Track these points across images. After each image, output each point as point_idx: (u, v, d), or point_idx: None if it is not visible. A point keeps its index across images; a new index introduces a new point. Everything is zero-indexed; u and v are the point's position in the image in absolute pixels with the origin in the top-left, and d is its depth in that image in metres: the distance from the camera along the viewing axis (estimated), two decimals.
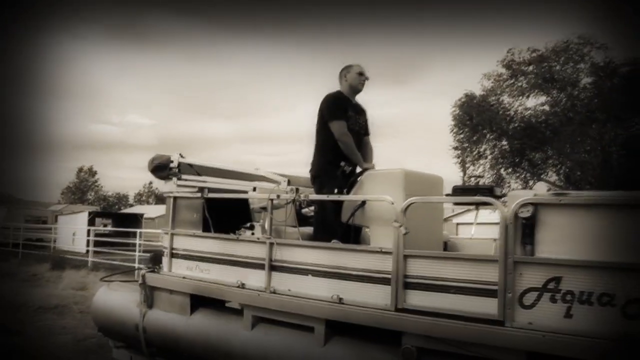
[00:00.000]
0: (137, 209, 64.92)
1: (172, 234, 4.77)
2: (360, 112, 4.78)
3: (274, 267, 4.01)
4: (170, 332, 4.61)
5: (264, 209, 4.20)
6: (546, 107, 26.74)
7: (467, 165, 26.37)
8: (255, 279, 4.10)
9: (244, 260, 4.20)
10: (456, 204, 3.79)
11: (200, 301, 4.60)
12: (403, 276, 3.36)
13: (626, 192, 2.89)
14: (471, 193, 3.81)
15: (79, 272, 17.55)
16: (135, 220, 33.03)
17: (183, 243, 4.72)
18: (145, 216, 35.79)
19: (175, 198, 4.80)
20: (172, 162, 4.69)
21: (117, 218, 35.17)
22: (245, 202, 4.97)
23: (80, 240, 27.15)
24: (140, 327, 4.80)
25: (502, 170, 27.04)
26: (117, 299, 5.28)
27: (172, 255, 4.77)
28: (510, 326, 2.98)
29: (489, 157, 27.04)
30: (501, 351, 3.00)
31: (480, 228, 4.88)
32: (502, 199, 3.49)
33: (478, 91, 26.67)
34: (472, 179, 26.39)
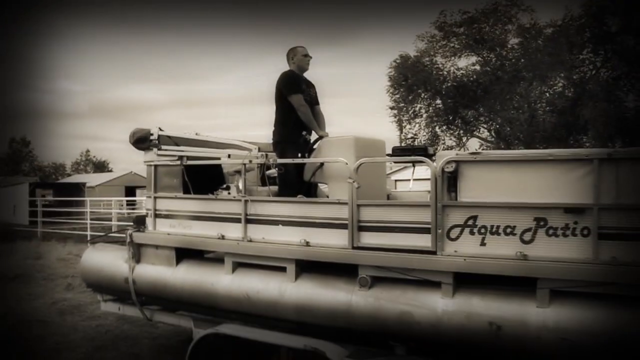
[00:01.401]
0: (76, 178, 63.83)
1: (155, 197, 5.48)
2: (310, 85, 5.62)
3: (249, 220, 4.82)
4: (158, 281, 5.36)
5: (238, 172, 4.99)
6: (477, 67, 27.96)
7: (403, 124, 27.44)
8: (233, 231, 4.91)
9: (223, 216, 4.99)
10: (396, 162, 4.67)
11: (183, 254, 5.36)
12: (357, 221, 4.25)
13: (522, 150, 3.85)
14: (408, 153, 4.75)
15: (30, 243, 17.81)
16: (78, 189, 32.86)
17: (166, 205, 5.43)
18: (87, 185, 35.62)
19: (156, 166, 5.49)
20: (152, 134, 5.38)
21: (58, 188, 34.73)
22: (219, 167, 5.74)
23: (21, 212, 26.92)
24: (130, 279, 5.53)
25: (437, 128, 28.23)
26: (105, 257, 5.97)
27: (156, 216, 5.49)
28: (440, 255, 3.91)
29: (424, 115, 28.17)
30: (435, 274, 3.94)
31: (416, 183, 5.86)
32: (433, 157, 4.39)
33: (412, 52, 27.58)
34: (409, 139, 27.48)
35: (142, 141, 5.45)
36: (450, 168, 3.88)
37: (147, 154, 5.55)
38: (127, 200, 35.15)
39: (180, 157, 5.32)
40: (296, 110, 5.24)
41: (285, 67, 5.56)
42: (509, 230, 3.72)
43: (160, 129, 5.42)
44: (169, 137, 5.48)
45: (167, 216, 5.42)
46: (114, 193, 45.44)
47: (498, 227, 3.75)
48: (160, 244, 5.37)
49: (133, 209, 32.70)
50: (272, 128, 5.45)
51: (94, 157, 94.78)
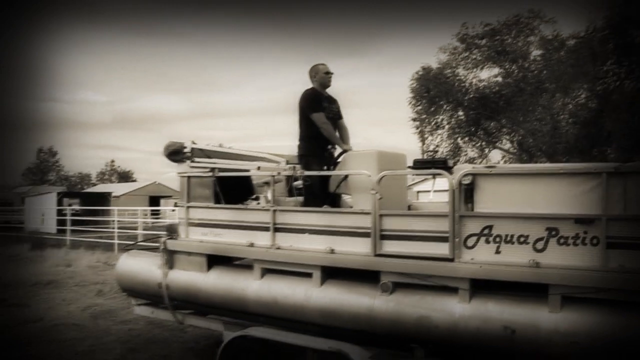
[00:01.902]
0: (101, 188, 64.85)
1: (188, 207, 5.80)
2: (332, 101, 5.91)
3: (277, 228, 5.11)
4: (190, 287, 5.67)
5: (266, 183, 5.29)
6: (499, 79, 28.02)
7: (425, 136, 27.60)
8: (262, 239, 5.20)
9: (252, 224, 5.29)
10: (416, 175, 4.95)
11: (214, 261, 5.66)
12: (379, 230, 4.52)
13: (535, 164, 4.10)
14: (428, 165, 4.99)
15: (60, 251, 18.25)
16: (103, 198, 33.53)
17: (198, 214, 5.75)
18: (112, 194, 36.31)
19: (189, 177, 5.82)
20: (185, 147, 5.72)
21: (85, 197, 35.45)
22: (248, 178, 6.06)
23: (49, 221, 27.53)
24: (163, 284, 5.84)
25: (459, 140, 28.32)
26: (139, 263, 6.31)
27: (189, 224, 5.81)
28: (458, 262, 4.17)
29: (446, 127, 28.29)
30: (452, 280, 4.20)
31: (437, 194, 6.11)
32: (452, 170, 4.64)
33: (434, 64, 27.76)
34: (431, 151, 27.59)
35: (176, 154, 5.78)
36: (467, 181, 4.13)
37: (180, 166, 5.88)
38: (152, 210, 35.73)
39: (212, 169, 5.64)
40: (319, 127, 5.53)
41: (307, 81, 5.86)
42: (522, 239, 3.96)
43: (194, 142, 5.75)
44: (201, 150, 5.81)
45: (199, 225, 5.74)
46: (139, 202, 46.22)
47: (512, 236, 4.00)
48: (193, 250, 5.68)
49: (157, 218, 33.28)
50: (297, 142, 5.75)
51: (119, 167, 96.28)
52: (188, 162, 5.75)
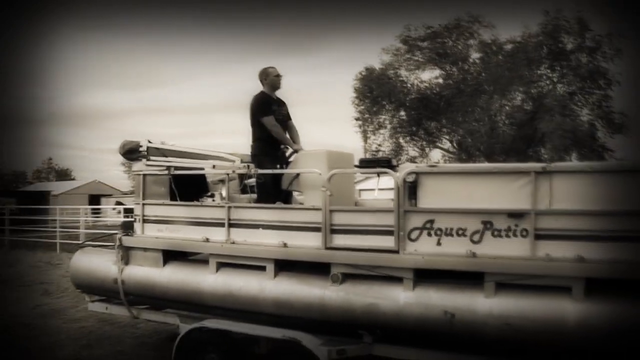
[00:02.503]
0: (38, 187, 63.05)
1: (144, 204, 5.96)
2: (281, 104, 6.19)
3: (231, 224, 5.36)
4: (146, 282, 5.84)
5: (221, 181, 5.53)
6: (440, 80, 28.80)
7: (368, 135, 28.07)
8: (217, 234, 5.43)
9: (207, 220, 5.50)
10: (363, 173, 5.28)
11: (169, 256, 5.85)
12: (330, 225, 4.83)
13: (473, 164, 4.50)
14: (374, 164, 5.34)
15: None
16: (42, 197, 32.73)
17: (154, 211, 5.92)
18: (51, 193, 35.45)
19: (144, 175, 5.98)
20: (141, 146, 5.88)
21: (21, 196, 34.44)
22: (203, 176, 6.26)
23: None
24: (119, 280, 5.99)
25: (400, 139, 28.93)
26: (94, 260, 6.42)
27: (144, 221, 5.97)
28: (402, 253, 4.52)
29: (389, 126, 28.85)
30: (398, 270, 4.55)
31: (380, 192, 6.47)
32: (396, 168, 4.99)
33: (377, 65, 28.27)
34: (373, 150, 28.08)
35: (131, 152, 5.94)
36: (411, 178, 4.49)
37: (135, 164, 6.04)
38: (92, 209, 35.00)
39: (168, 167, 5.83)
40: (269, 130, 5.80)
41: (250, 79, 6.15)
42: (460, 232, 4.35)
43: (149, 141, 5.92)
44: (157, 148, 5.98)
45: (155, 221, 5.91)
46: (78, 201, 45.07)
47: (451, 229, 4.38)
48: (149, 246, 5.85)
49: (98, 217, 32.67)
50: (251, 143, 6.01)
51: (57, 165, 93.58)
52: (144, 160, 5.91)
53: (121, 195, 49.69)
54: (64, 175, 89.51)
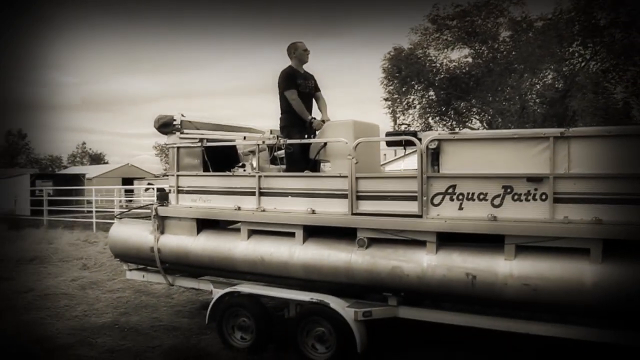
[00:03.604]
0: (73, 170, 64.40)
1: (178, 175, 6.24)
2: (308, 77, 6.38)
3: (262, 193, 5.60)
4: (181, 249, 6.12)
5: (252, 152, 5.76)
6: (469, 59, 28.51)
7: (397, 115, 28.02)
8: (248, 203, 5.68)
9: (239, 190, 5.76)
10: (389, 143, 5.44)
11: (203, 225, 6.12)
12: (356, 191, 5.03)
13: (493, 130, 4.64)
14: (400, 135, 5.49)
15: (38, 230, 18.45)
16: (77, 180, 33.51)
17: (187, 182, 6.18)
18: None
19: (178, 148, 6.25)
20: (175, 120, 6.14)
21: (58, 179, 35.30)
22: (234, 148, 6.51)
23: (23, 203, 27.44)
24: (155, 248, 6.28)
25: (430, 119, 28.82)
26: (131, 229, 6.74)
27: (179, 192, 6.24)
28: (425, 218, 4.70)
29: (418, 107, 28.75)
30: (421, 234, 4.74)
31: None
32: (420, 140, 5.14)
33: (406, 45, 28.14)
34: (402, 126, 28.06)
35: (166, 126, 6.20)
36: (433, 145, 4.65)
37: (170, 137, 6.30)
38: (125, 190, 35.66)
39: (201, 140, 6.08)
40: (289, 103, 6.03)
41: (284, 59, 6.34)
42: (482, 196, 4.51)
43: (183, 115, 6.17)
44: (190, 122, 6.24)
45: (188, 192, 6.18)
46: (112, 184, 46.01)
47: (473, 194, 4.54)
48: (183, 215, 6.12)
49: (131, 199, 33.35)
50: (280, 115, 6.23)
51: (90, 149, 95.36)
52: (177, 133, 6.17)
53: (153, 177, 50.61)
54: (97, 159, 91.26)
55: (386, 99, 28.68)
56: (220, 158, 6.19)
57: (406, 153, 5.71)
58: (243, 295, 5.58)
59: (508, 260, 4.39)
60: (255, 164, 5.64)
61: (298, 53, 6.27)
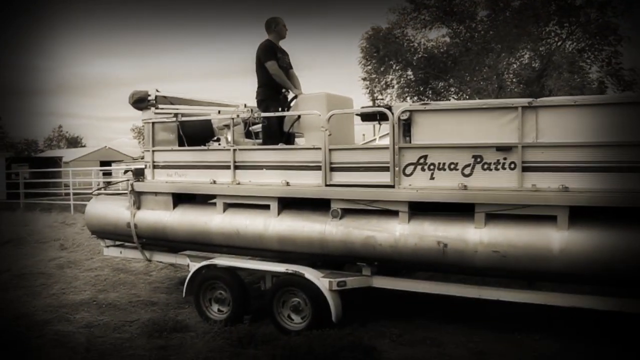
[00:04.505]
0: (50, 153, 63.52)
1: (154, 151, 6.24)
2: (284, 53, 6.44)
3: (237, 166, 5.63)
4: (157, 224, 6.14)
5: (226, 126, 5.78)
6: (447, 39, 28.50)
7: (375, 95, 28.01)
8: (224, 176, 5.71)
9: (214, 164, 5.78)
10: (364, 118, 5.49)
11: (179, 199, 6.15)
12: (329, 163, 5.09)
13: (463, 101, 4.72)
14: (374, 112, 5.55)
15: (14, 213, 18.30)
16: (54, 163, 33.10)
17: (163, 157, 6.19)
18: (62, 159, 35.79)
19: (153, 123, 6.24)
20: (149, 95, 6.13)
21: (34, 162, 34.83)
22: (209, 122, 6.52)
23: None
24: (132, 224, 6.30)
25: (408, 99, 28.83)
26: (108, 206, 6.74)
27: (154, 167, 6.25)
28: (398, 188, 4.78)
29: (396, 86, 28.74)
30: (393, 204, 4.82)
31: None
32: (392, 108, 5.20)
33: (384, 24, 28.07)
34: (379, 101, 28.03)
35: (141, 101, 6.19)
36: (405, 116, 4.72)
37: (145, 113, 6.29)
38: (103, 172, 35.30)
39: (176, 115, 6.08)
40: (271, 74, 6.04)
41: (261, 37, 6.35)
42: (452, 166, 4.60)
43: (157, 90, 6.16)
44: (164, 97, 6.23)
45: (164, 167, 6.19)
46: (90, 167, 45.48)
47: (444, 164, 4.63)
48: (159, 190, 6.14)
49: (109, 180, 33.05)
50: (256, 89, 6.25)
51: (67, 133, 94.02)
52: (152, 108, 6.16)
53: (132, 160, 50.16)
54: (74, 142, 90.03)
55: (364, 79, 28.64)
56: (196, 133, 6.21)
57: (381, 135, 5.76)
58: (219, 268, 5.64)
59: (478, 228, 4.49)
60: (230, 138, 5.66)
61: (278, 28, 6.31)
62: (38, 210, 18.83)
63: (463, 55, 26.77)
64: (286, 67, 6.33)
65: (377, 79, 28.44)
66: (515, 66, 27.96)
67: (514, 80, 27.80)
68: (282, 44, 6.43)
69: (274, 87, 6.08)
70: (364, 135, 8.48)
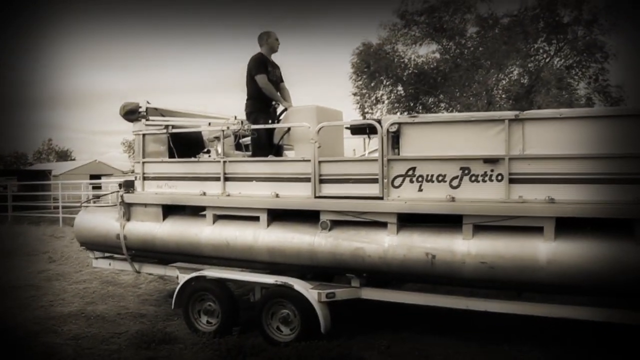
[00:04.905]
0: (39, 167, 63.13)
1: (144, 162, 6.25)
2: (275, 66, 6.51)
3: (227, 178, 5.65)
4: (147, 236, 6.13)
5: (217, 138, 5.81)
6: (437, 55, 28.70)
7: (366, 110, 28.13)
8: (214, 188, 5.73)
9: (204, 175, 5.81)
10: (353, 131, 5.56)
11: (168, 211, 6.16)
12: (319, 175, 5.13)
13: (451, 114, 4.78)
14: (363, 125, 5.62)
15: (3, 226, 18.21)
16: (43, 176, 32.95)
17: (153, 168, 6.20)
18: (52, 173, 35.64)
19: (144, 135, 6.26)
20: (140, 107, 6.16)
21: (23, 175, 34.61)
22: (199, 134, 6.56)
23: None
24: (121, 235, 6.29)
25: (398, 114, 28.99)
26: (97, 217, 6.73)
27: (144, 179, 6.26)
28: (386, 199, 4.83)
29: (386, 102, 28.91)
30: (382, 215, 4.86)
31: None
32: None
33: (375, 40, 28.28)
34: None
35: (131, 113, 6.21)
36: (393, 128, 4.77)
37: (135, 125, 6.31)
38: (93, 185, 35.15)
39: (166, 126, 6.11)
40: (260, 87, 6.11)
41: (254, 50, 6.41)
42: (440, 178, 4.65)
43: (148, 102, 6.19)
44: (155, 109, 6.26)
45: (154, 178, 6.20)
46: (79, 181, 45.29)
47: (432, 175, 4.68)
48: (149, 202, 6.15)
49: (98, 194, 32.89)
50: (245, 101, 6.30)
51: (57, 146, 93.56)
52: (143, 120, 6.19)
53: (122, 174, 49.99)
54: (64, 156, 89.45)
55: (355, 94, 28.79)
56: (186, 144, 6.24)
57: (371, 150, 5.80)
58: (209, 280, 5.64)
59: (466, 239, 4.54)
60: (220, 149, 5.69)
61: (270, 41, 6.38)
62: (27, 223, 18.74)
63: (453, 71, 26.99)
64: (276, 81, 6.39)
65: (367, 94, 28.57)
66: (504, 82, 28.21)
67: (503, 96, 28.02)
68: (274, 57, 6.50)
69: (263, 99, 6.14)
70: (354, 150, 8.55)
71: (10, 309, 7.02)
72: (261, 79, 6.10)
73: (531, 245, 4.33)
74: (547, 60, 27.18)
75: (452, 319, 5.44)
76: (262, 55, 6.33)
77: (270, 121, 6.01)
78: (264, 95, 6.12)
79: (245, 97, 6.28)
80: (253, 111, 6.13)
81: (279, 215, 5.47)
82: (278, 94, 6.18)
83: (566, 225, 4.30)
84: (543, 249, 4.28)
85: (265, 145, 5.83)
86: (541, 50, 27.43)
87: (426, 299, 4.94)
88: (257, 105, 6.13)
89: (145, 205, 6.18)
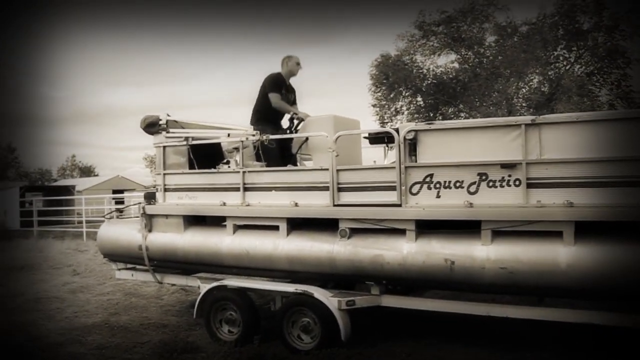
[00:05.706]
0: (64, 182, 64.03)
1: (165, 174, 6.35)
2: (290, 90, 6.69)
3: (246, 188, 5.72)
4: (168, 246, 6.22)
5: (236, 149, 5.88)
6: (456, 65, 28.66)
7: (386, 121, 28.11)
8: (233, 198, 5.80)
9: (224, 186, 5.88)
10: (372, 141, 5.60)
11: (189, 222, 6.23)
12: (337, 183, 5.17)
13: (467, 120, 4.80)
14: (381, 134, 5.65)
15: (28, 241, 18.47)
16: (67, 191, 33.39)
17: (174, 180, 6.30)
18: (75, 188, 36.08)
19: (164, 147, 6.36)
20: (161, 119, 6.26)
21: (48, 191, 35.13)
22: (219, 145, 6.64)
23: (13, 216, 27.22)
24: (143, 246, 6.38)
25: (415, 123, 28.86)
26: (119, 229, 6.84)
27: (165, 190, 6.36)
28: (405, 207, 4.84)
29: (406, 113, 28.86)
30: (401, 222, 4.88)
31: None
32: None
33: (393, 51, 28.32)
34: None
35: (152, 126, 6.32)
36: (410, 136, 4.80)
37: (156, 137, 6.42)
38: (116, 200, 35.53)
39: (186, 138, 6.21)
40: (273, 105, 6.31)
41: (272, 66, 6.60)
42: (458, 184, 4.66)
43: (168, 115, 6.30)
44: (175, 121, 6.36)
45: (175, 190, 6.29)
46: (102, 195, 45.77)
47: (449, 182, 4.69)
48: (170, 213, 6.24)
49: (121, 210, 33.22)
50: (252, 112, 6.54)
51: (80, 162, 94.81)
52: (163, 132, 6.29)
53: (144, 189, 50.50)
54: (87, 172, 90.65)
55: (374, 106, 28.84)
56: (206, 156, 6.32)
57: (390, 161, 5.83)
58: (230, 289, 5.69)
59: (485, 245, 4.53)
60: (239, 160, 5.76)
61: (291, 64, 6.57)
62: (51, 238, 19.00)
63: (472, 80, 26.89)
64: (288, 103, 6.55)
65: (387, 106, 28.59)
66: (524, 90, 28.04)
67: (524, 104, 27.83)
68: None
69: (269, 114, 6.35)
70: (374, 161, 8.57)
71: (36, 320, 7.14)
72: (274, 97, 6.31)
73: (551, 250, 4.32)
74: (567, 67, 26.97)
75: (473, 325, 5.42)
76: (280, 76, 6.51)
77: (288, 131, 6.09)
78: (271, 111, 6.30)
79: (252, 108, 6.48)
80: (259, 123, 6.27)
81: (298, 224, 5.52)
82: (289, 107, 6.36)
83: (585, 229, 4.27)
84: (563, 254, 4.27)
85: (278, 155, 5.91)
86: (561, 58, 27.22)
87: (446, 306, 4.94)
88: (262, 118, 6.32)
89: (167, 216, 6.27)
